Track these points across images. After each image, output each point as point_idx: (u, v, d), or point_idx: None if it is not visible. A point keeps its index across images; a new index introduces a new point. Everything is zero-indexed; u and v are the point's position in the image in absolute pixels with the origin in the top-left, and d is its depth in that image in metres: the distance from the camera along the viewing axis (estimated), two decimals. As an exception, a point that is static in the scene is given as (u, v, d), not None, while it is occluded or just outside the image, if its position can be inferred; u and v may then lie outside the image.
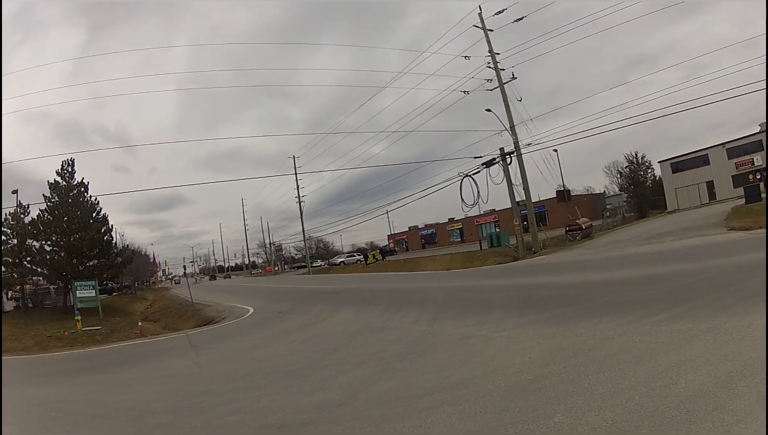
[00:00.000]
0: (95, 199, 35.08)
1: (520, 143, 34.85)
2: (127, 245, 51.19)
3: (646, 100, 70.93)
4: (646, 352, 6.59)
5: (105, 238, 35.41)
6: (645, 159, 61.89)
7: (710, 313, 7.91)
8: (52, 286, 37.54)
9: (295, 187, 71.63)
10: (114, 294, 55.22)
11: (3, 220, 32.17)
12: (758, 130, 51.62)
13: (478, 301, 15.57)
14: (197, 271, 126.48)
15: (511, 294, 15.62)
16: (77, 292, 28.08)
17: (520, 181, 35.27)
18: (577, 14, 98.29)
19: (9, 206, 33.00)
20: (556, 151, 44.48)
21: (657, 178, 62.27)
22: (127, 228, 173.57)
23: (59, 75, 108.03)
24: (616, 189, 73.59)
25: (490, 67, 36.09)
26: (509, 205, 36.57)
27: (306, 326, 15.99)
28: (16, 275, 31.45)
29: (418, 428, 5.28)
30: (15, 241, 31.88)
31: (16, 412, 7.98)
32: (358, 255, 76.92)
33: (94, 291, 28.72)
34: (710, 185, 54.76)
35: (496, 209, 71.10)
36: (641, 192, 59.48)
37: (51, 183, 33.82)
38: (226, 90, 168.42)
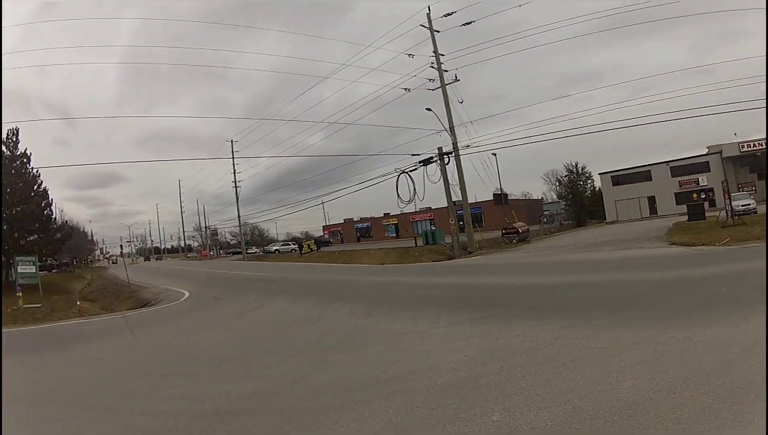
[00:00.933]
0: (36, 172, 33.60)
1: (458, 144, 35.31)
2: (66, 221, 49.39)
3: (588, 115, 73.18)
4: (585, 357, 6.69)
5: (45, 212, 34.01)
6: (585, 169, 63.62)
7: (650, 323, 8.13)
8: (-9, 261, 35.89)
9: (232, 172, 70.94)
10: (53, 271, 54.56)
11: None
12: (705, 152, 54.56)
13: (412, 297, 15.66)
14: (134, 251, 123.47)
15: (446, 292, 15.80)
16: (18, 267, 26.80)
17: (458, 181, 35.76)
18: (523, 26, 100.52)
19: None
20: (494, 154, 45.88)
21: (596, 189, 64.30)
22: (65, 204, 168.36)
23: (9, 41, 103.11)
24: (555, 196, 75.49)
25: (433, 67, 36.38)
26: (445, 204, 36.88)
27: (241, 314, 15.88)
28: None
29: (355, 421, 5.26)
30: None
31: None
32: (293, 244, 77.39)
33: (34, 267, 27.42)
34: (651, 200, 57.45)
35: (432, 207, 72.21)
36: (580, 201, 61.10)
37: (-7, 152, 32.15)
38: (168, 69, 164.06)
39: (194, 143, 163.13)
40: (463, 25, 34.96)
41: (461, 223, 37.91)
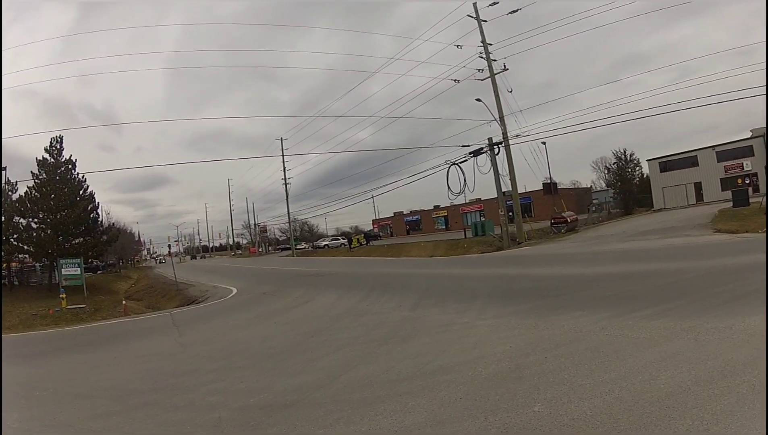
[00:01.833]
0: (82, 177, 34.86)
1: (508, 134, 34.91)
2: (113, 223, 50.72)
3: (636, 99, 71.11)
4: (627, 347, 6.64)
5: (91, 215, 35.24)
6: (633, 156, 62.18)
7: (692, 312, 8.00)
8: (37, 264, 37.32)
9: (281, 169, 71.85)
10: (99, 272, 55.19)
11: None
12: (749, 136, 52.17)
13: (460, 289, 15.66)
14: (182, 250, 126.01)
15: (494, 283, 15.75)
16: (62, 269, 27.91)
17: (507, 171, 35.40)
18: (571, 11, 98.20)
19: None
20: (544, 143, 44.76)
21: (644, 176, 62.63)
22: (112, 206, 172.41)
23: (49, 52, 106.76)
24: (603, 184, 74.08)
25: (482, 58, 36.02)
26: (495, 195, 36.59)
27: (289, 308, 15.98)
28: (2, 253, 31.05)
29: (398, 412, 5.30)
30: (2, 218, 31.32)
31: None
32: (343, 239, 77.17)
33: (79, 269, 28.53)
34: (698, 187, 55.36)
35: (482, 199, 71.47)
36: (628, 189, 59.80)
37: (39, 160, 33.52)
38: (214, 71, 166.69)
39: (243, 143, 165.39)
40: (510, 13, 34.50)
41: (511, 213, 37.60)
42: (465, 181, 35.25)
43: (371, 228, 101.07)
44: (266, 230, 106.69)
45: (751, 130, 52.46)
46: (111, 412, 6.60)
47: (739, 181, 50.35)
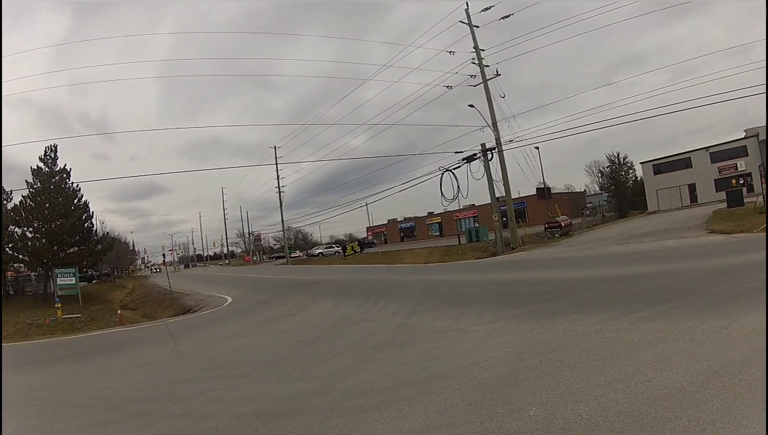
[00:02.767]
0: (77, 186, 34.89)
1: (501, 140, 35.11)
2: (107, 233, 50.89)
3: (631, 102, 71.51)
4: (622, 350, 6.66)
5: (86, 225, 35.30)
6: (627, 159, 62.57)
7: (687, 313, 8.03)
8: (33, 274, 37.32)
9: (275, 177, 72.49)
10: (93, 282, 54.94)
11: None
12: (743, 136, 52.44)
13: (455, 294, 15.67)
14: (176, 259, 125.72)
15: (489, 289, 15.75)
16: (57, 279, 27.90)
17: (501, 177, 35.52)
18: (563, 14, 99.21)
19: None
20: (537, 148, 44.89)
21: (638, 179, 62.93)
22: (107, 215, 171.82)
23: (43, 61, 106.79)
24: (597, 188, 74.31)
25: (474, 63, 36.21)
26: (489, 201, 36.69)
27: (284, 316, 15.99)
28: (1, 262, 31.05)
29: (395, 419, 5.31)
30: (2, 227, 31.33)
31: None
32: (337, 246, 77.36)
33: (74, 278, 28.56)
34: (692, 188, 55.53)
35: (476, 204, 71.74)
36: (622, 192, 60.10)
37: (34, 169, 33.55)
38: (208, 79, 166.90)
39: (237, 151, 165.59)
40: (502, 18, 34.82)
41: (505, 218, 37.67)
42: (458, 187, 35.37)
43: (365, 235, 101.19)
44: (260, 239, 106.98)
45: (744, 130, 52.72)
46: (108, 422, 6.60)
47: (734, 181, 50.40)
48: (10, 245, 31.64)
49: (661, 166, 58.82)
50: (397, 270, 31.59)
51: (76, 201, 34.44)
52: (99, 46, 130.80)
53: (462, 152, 35.89)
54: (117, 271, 71.18)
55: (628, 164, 62.54)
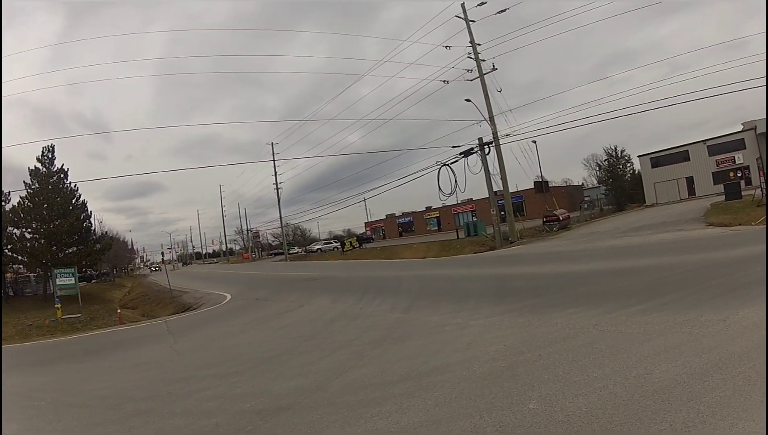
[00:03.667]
0: (74, 186, 34.85)
1: (498, 134, 35.08)
2: (106, 232, 50.65)
3: (625, 96, 71.51)
4: (621, 343, 6.66)
5: (84, 224, 35.35)
6: (624, 153, 62.40)
7: (686, 306, 8.04)
8: (32, 274, 37.24)
9: (272, 174, 71.87)
10: (93, 281, 54.88)
11: None
12: (740, 129, 52.48)
13: (453, 289, 15.70)
14: (175, 257, 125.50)
15: (487, 283, 15.76)
16: (57, 279, 27.79)
17: (498, 171, 35.52)
18: (558, 9, 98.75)
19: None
20: (534, 142, 44.93)
21: (636, 172, 62.83)
22: (105, 215, 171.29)
23: (38, 61, 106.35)
24: (595, 182, 74.24)
25: (470, 58, 36.21)
26: (487, 195, 36.65)
27: (283, 313, 16.03)
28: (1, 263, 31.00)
29: (394, 413, 5.31)
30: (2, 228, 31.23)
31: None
32: (335, 242, 77.08)
33: (73, 278, 28.39)
34: (690, 181, 55.54)
35: (474, 199, 71.51)
36: (620, 185, 59.97)
37: (32, 170, 33.48)
38: (202, 78, 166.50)
39: (233, 149, 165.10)
40: (498, 12, 34.74)
41: (503, 212, 37.67)
42: (456, 181, 35.37)
43: (364, 231, 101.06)
44: (259, 235, 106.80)
45: (742, 124, 52.77)
46: (108, 421, 6.59)
47: (731, 174, 50.47)
48: (9, 246, 31.58)
49: (658, 159, 58.78)
50: (396, 265, 31.63)
51: (74, 201, 34.45)
52: (93, 47, 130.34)
53: (459, 147, 35.93)
54: (116, 271, 71.08)
55: (626, 157, 62.37)
